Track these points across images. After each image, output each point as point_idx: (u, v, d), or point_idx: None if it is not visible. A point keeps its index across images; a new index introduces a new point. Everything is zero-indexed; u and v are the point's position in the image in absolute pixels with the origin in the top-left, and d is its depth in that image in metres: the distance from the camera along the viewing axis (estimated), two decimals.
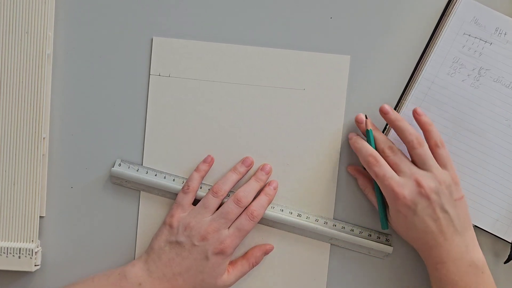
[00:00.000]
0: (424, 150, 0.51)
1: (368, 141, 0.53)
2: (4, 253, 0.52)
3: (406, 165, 0.51)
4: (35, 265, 0.53)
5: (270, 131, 0.56)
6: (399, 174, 0.50)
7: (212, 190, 0.53)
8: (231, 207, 0.52)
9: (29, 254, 0.53)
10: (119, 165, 0.55)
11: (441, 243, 0.50)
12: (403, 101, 0.55)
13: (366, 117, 0.54)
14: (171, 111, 0.55)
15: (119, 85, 0.56)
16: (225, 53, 0.55)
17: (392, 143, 0.52)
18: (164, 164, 0.56)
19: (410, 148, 0.51)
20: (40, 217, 0.55)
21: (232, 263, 0.54)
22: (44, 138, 0.54)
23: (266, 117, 0.56)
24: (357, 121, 0.54)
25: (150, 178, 0.54)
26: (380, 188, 0.51)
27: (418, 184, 0.49)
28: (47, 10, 0.53)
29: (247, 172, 0.55)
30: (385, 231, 0.55)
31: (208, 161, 0.55)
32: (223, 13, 0.55)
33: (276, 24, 0.55)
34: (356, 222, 0.56)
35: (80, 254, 0.56)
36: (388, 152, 0.51)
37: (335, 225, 0.55)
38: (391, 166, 0.51)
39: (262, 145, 0.56)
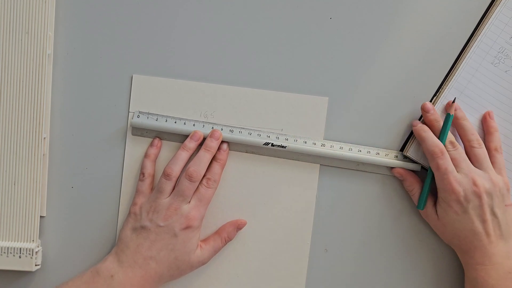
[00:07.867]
0: (483, 151, 0.52)
1: (444, 126, 0.53)
2: (4, 253, 0.52)
3: (465, 163, 0.51)
4: (35, 265, 0.53)
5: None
6: (457, 170, 0.51)
7: (164, 174, 0.53)
8: (185, 184, 0.52)
9: (29, 253, 0.53)
10: (138, 116, 0.55)
11: (485, 245, 0.50)
12: (444, 87, 0.55)
13: (454, 101, 0.54)
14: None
15: (119, 85, 0.56)
16: (203, 92, 0.55)
17: (453, 137, 0.53)
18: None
19: (469, 146, 0.53)
20: (41, 216, 0.55)
21: (204, 239, 0.54)
22: (44, 138, 0.54)
23: None
24: (424, 110, 0.54)
25: (170, 125, 0.54)
26: (438, 180, 0.52)
27: (474, 183, 0.50)
28: (48, 10, 0.53)
29: (197, 146, 0.54)
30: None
31: (155, 144, 0.55)
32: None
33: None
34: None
35: (80, 254, 0.56)
36: (449, 146, 0.52)
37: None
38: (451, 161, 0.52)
39: (244, 184, 0.56)
